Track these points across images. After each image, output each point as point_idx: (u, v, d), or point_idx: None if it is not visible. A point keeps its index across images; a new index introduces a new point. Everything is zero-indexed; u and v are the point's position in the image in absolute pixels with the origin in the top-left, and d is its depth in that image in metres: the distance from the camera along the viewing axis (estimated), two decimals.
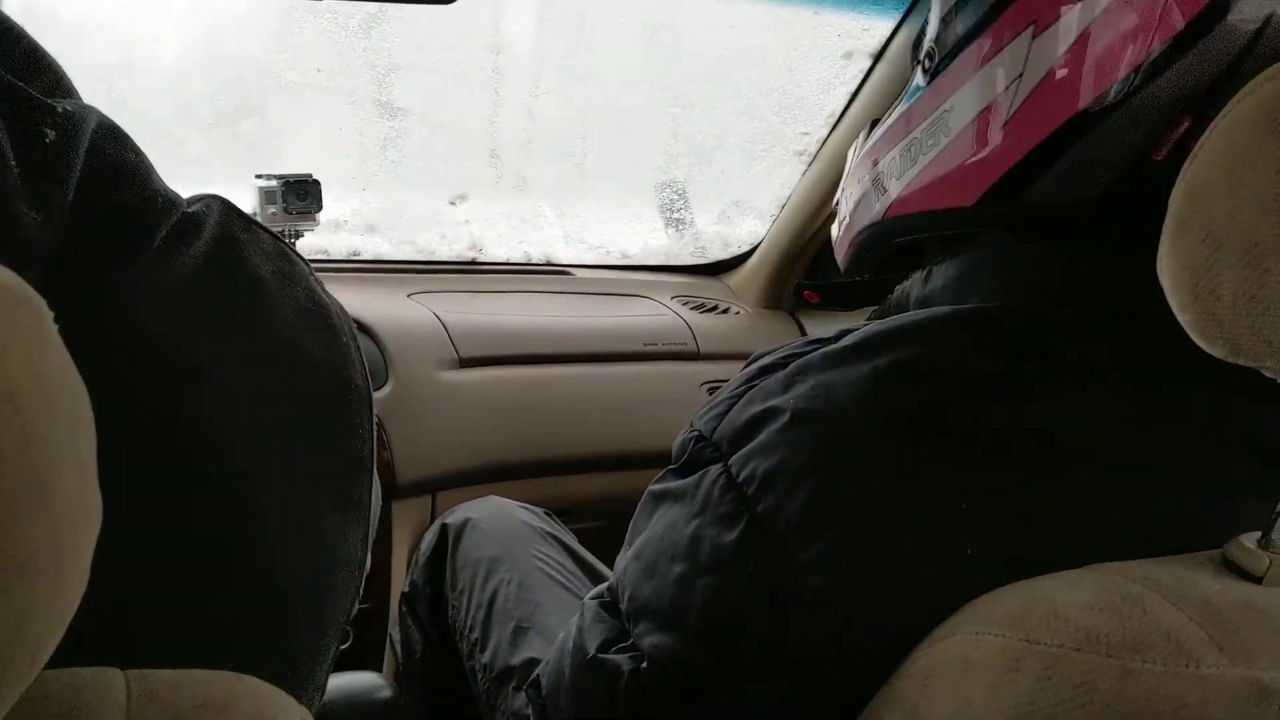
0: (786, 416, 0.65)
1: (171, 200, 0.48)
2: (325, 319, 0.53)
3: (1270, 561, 0.55)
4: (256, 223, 0.54)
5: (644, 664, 0.69)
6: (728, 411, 0.70)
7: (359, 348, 0.56)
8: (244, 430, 0.45)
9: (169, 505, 0.42)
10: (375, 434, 0.56)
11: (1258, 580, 0.55)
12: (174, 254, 0.46)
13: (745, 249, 2.13)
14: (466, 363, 1.63)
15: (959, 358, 0.63)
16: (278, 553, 0.46)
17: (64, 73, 0.48)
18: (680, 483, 0.71)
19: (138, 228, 0.45)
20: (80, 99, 0.48)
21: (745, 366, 0.75)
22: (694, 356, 1.86)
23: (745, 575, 0.63)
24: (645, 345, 1.83)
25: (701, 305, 2.01)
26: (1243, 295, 0.50)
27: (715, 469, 0.68)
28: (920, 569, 0.59)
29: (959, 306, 0.68)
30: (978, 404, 0.61)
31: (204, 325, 0.46)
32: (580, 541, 1.37)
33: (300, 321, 0.51)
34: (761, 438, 0.65)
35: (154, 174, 0.48)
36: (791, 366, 0.69)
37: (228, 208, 0.52)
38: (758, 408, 0.67)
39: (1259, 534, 0.56)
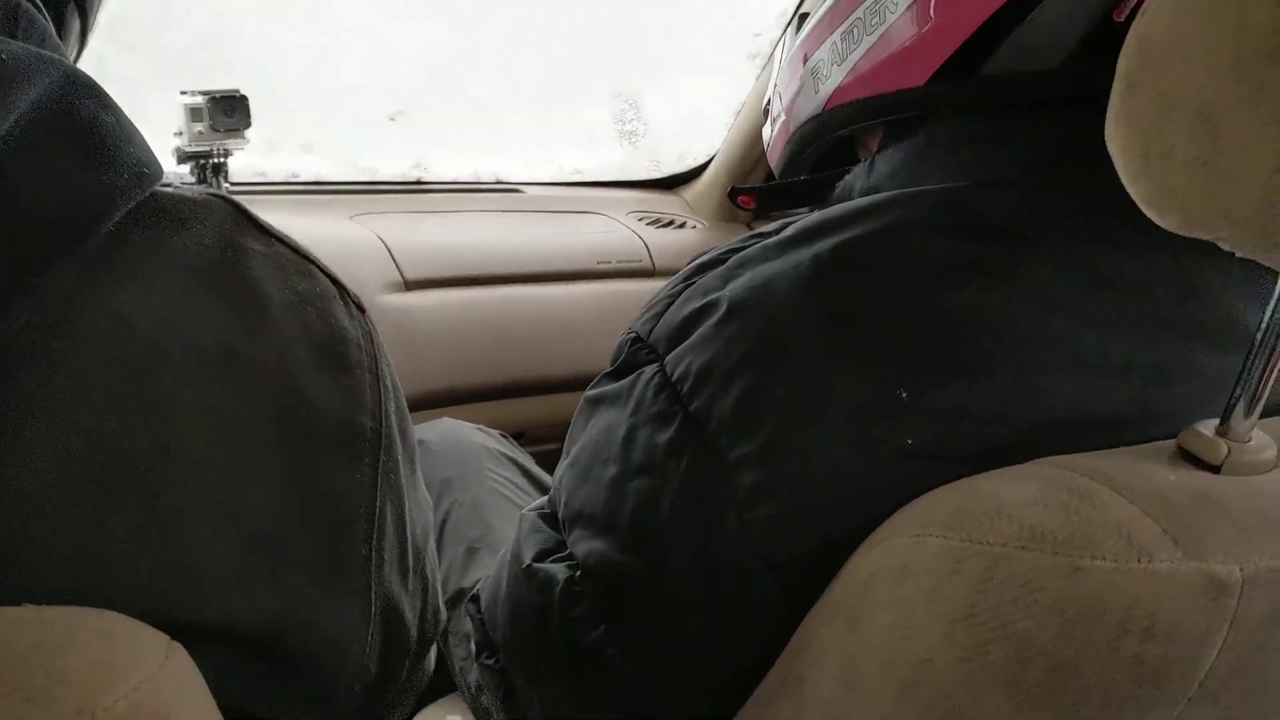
0: (722, 310, 0.61)
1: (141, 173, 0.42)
2: (336, 347, 0.48)
3: (1228, 449, 0.51)
4: (279, 235, 0.48)
5: (578, 573, 0.66)
6: (665, 311, 0.66)
7: (377, 378, 0.50)
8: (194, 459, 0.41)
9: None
10: (380, 484, 0.50)
11: (1215, 469, 0.51)
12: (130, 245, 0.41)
13: (701, 161, 2.07)
14: (412, 285, 1.57)
15: (905, 239, 0.59)
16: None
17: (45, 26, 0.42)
18: (615, 386, 0.68)
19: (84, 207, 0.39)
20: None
21: (686, 265, 0.71)
22: (649, 274, 1.81)
23: (677, 476, 0.60)
24: (599, 263, 1.77)
25: (657, 220, 1.95)
26: (1196, 161, 0.45)
27: (650, 369, 0.64)
28: (855, 466, 0.55)
29: (909, 188, 0.63)
30: (923, 288, 0.57)
31: (171, 341, 0.41)
32: (537, 464, 1.33)
33: (304, 351, 0.46)
34: (696, 334, 0.62)
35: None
36: (731, 260, 0.65)
37: (238, 211, 0.46)
38: (695, 304, 0.64)
39: (1216, 421, 0.52)
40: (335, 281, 0.49)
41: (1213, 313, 0.59)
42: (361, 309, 0.51)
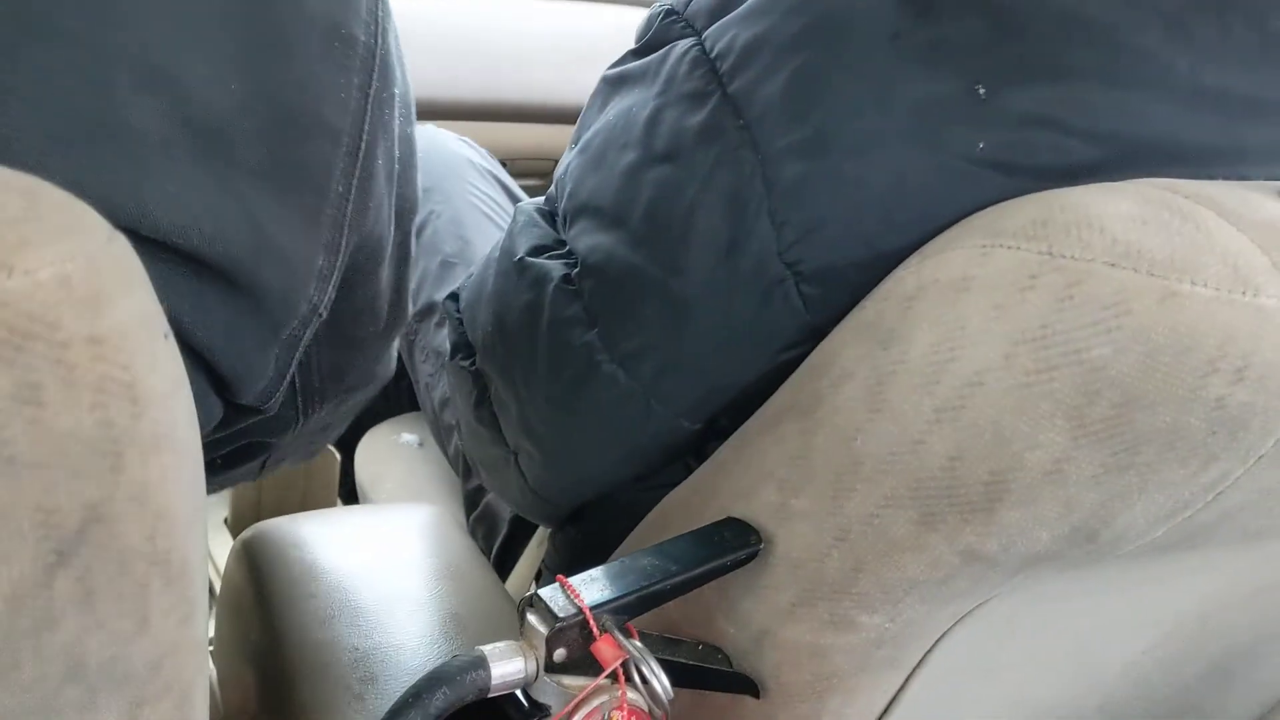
0: None
1: None
2: None
3: None
4: None
5: (576, 269, 0.59)
6: None
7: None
8: None
9: None
10: (372, 116, 0.43)
11: None
12: None
13: None
14: None
15: None
16: None
17: None
18: (640, 63, 0.59)
19: None
20: None
21: None
22: None
23: (706, 164, 0.52)
24: None
25: None
26: None
27: (685, 42, 0.56)
28: (918, 168, 0.48)
29: None
30: None
31: None
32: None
33: None
34: (749, 4, 0.53)
35: None
36: None
37: None
38: None
39: None
40: None
41: None
42: None
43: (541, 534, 0.91)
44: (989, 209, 0.46)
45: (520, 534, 0.94)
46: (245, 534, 0.77)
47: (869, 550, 0.48)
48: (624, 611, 0.49)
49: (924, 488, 0.45)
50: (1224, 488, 0.43)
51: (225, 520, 1.18)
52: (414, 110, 0.52)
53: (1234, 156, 0.50)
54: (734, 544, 0.52)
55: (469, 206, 1.12)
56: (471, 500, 1.04)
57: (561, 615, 0.46)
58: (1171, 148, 0.49)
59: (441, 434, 1.06)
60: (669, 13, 0.59)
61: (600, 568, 0.50)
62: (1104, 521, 0.44)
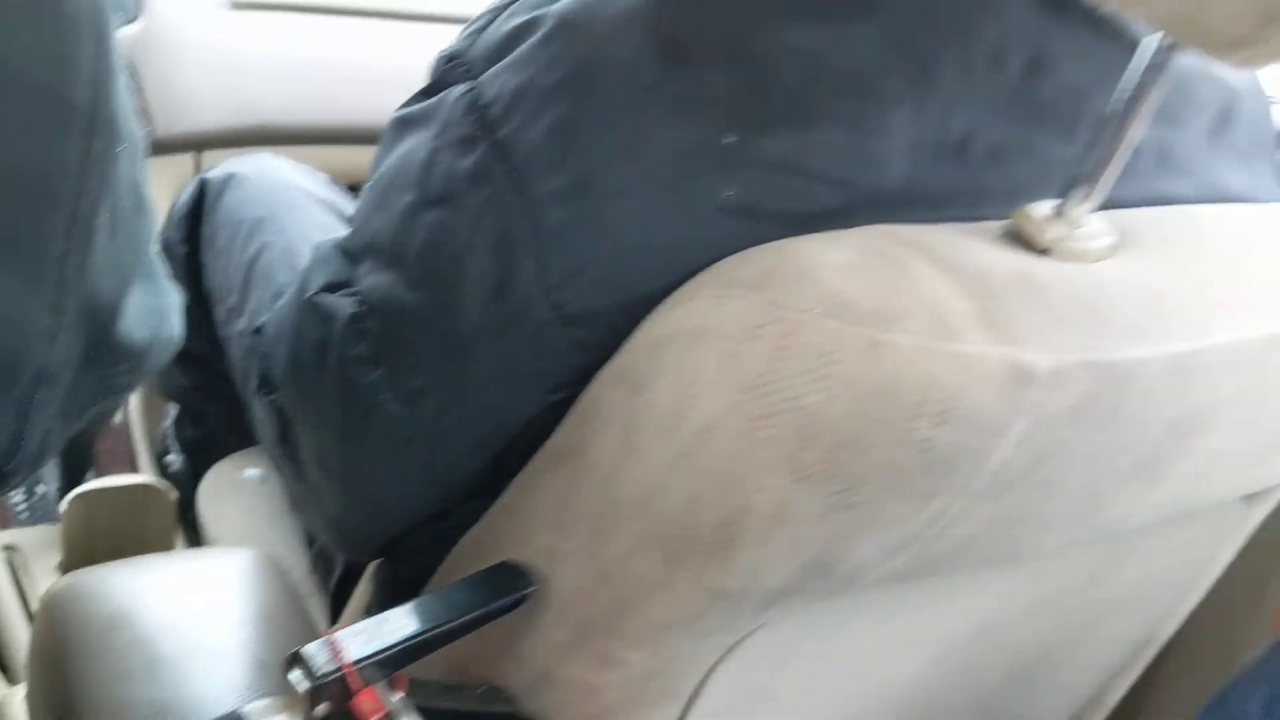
0: (546, 28, 0.53)
1: None
2: (50, 4, 0.40)
3: (1060, 233, 0.47)
4: None
5: (364, 309, 0.60)
6: (489, 25, 0.58)
7: (99, 50, 0.42)
8: None
9: None
10: (92, 174, 0.43)
11: (1042, 252, 0.47)
12: None
13: None
14: (241, 5, 1.41)
15: None
16: None
17: None
18: (422, 105, 0.60)
19: None
20: None
21: None
22: None
23: (476, 207, 0.53)
24: (456, 6, 1.63)
25: None
26: None
27: (460, 88, 0.56)
28: (667, 217, 0.50)
29: None
30: (770, 21, 0.50)
31: None
32: None
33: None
34: (516, 53, 0.54)
35: None
36: None
37: None
38: (522, 18, 0.55)
39: (1054, 202, 0.48)
40: None
41: (1063, 94, 0.54)
42: None
43: (371, 569, 0.91)
44: (730, 257, 0.48)
45: (355, 570, 0.93)
46: (54, 586, 0.75)
47: (628, 589, 0.49)
48: (390, 664, 0.49)
49: (668, 529, 0.47)
50: (948, 521, 0.45)
51: (58, 565, 1.15)
52: (142, 151, 0.52)
53: (973, 198, 0.53)
54: (506, 588, 0.53)
55: (303, 237, 1.11)
56: (311, 536, 1.03)
57: (319, 673, 0.46)
58: (910, 191, 0.51)
59: (275, 465, 1.05)
60: (452, 56, 0.60)
61: (372, 619, 0.50)
62: (836, 556, 0.45)
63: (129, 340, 0.54)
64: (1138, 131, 0.46)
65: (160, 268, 0.55)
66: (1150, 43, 0.45)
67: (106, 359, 0.53)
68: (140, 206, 0.50)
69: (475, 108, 0.55)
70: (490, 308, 0.54)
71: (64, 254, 0.43)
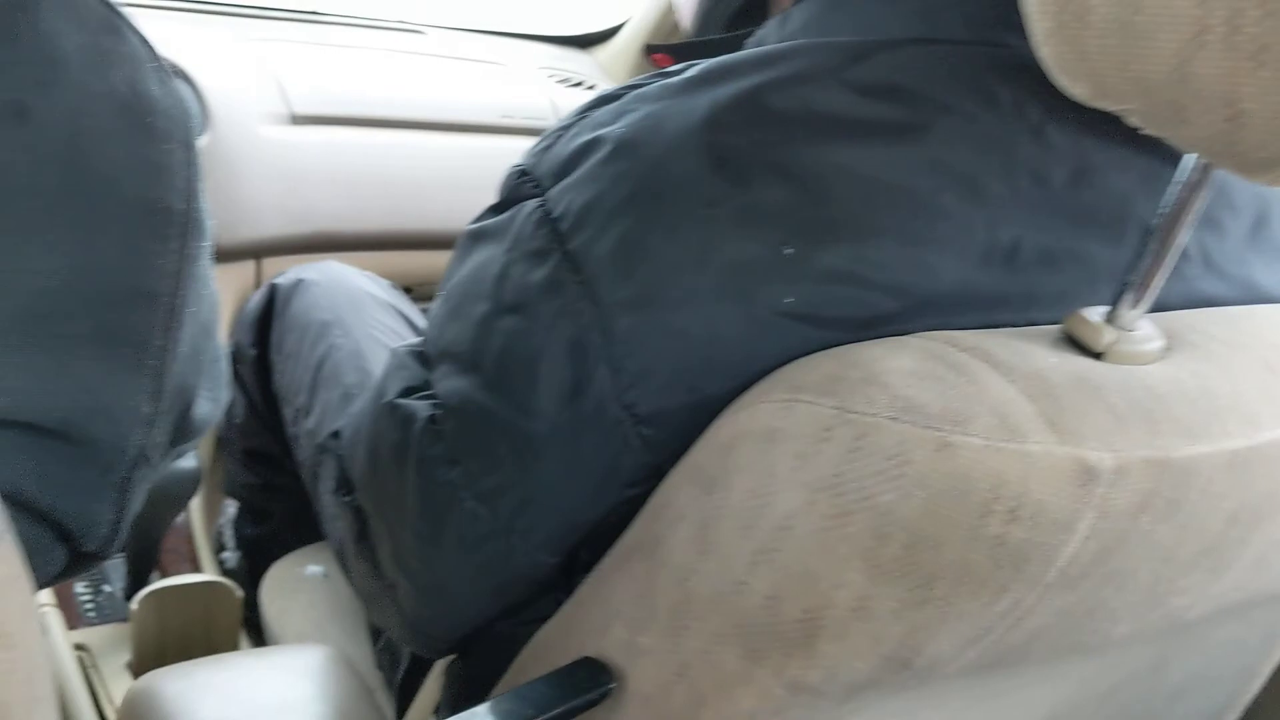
0: (609, 148, 0.57)
1: None
2: (143, 117, 0.43)
3: (1113, 337, 0.50)
4: None
5: (440, 411, 0.63)
6: (554, 144, 0.62)
7: (190, 157, 0.46)
8: None
9: None
10: (186, 272, 0.47)
11: (1097, 356, 0.50)
12: None
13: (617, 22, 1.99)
14: (300, 120, 1.48)
15: (809, 89, 0.55)
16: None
17: None
18: (496, 220, 0.64)
19: None
20: None
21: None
22: None
23: (550, 315, 0.57)
24: (502, 118, 1.70)
25: (566, 80, 1.87)
26: (1114, 22, 0.42)
27: (531, 204, 0.60)
28: (731, 323, 0.53)
29: (819, 40, 0.60)
30: (822, 142, 0.54)
31: None
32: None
33: (104, 116, 0.42)
34: (581, 170, 0.58)
35: None
36: (629, 96, 0.61)
37: None
38: (584, 138, 0.60)
39: (1105, 308, 0.51)
40: (146, 44, 0.45)
41: (1107, 201, 0.57)
42: (181, 77, 0.48)
43: (440, 665, 0.92)
44: (794, 363, 0.51)
45: (421, 665, 0.95)
46: (132, 688, 0.78)
47: (707, 684, 0.51)
48: None
49: (748, 624, 0.49)
50: (1021, 614, 0.47)
51: (128, 664, 1.17)
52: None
53: (1023, 303, 0.56)
54: (587, 685, 0.55)
55: (369, 339, 1.15)
56: (375, 632, 1.04)
57: None
58: (963, 297, 0.54)
59: (342, 565, 1.07)
60: (522, 173, 0.64)
61: (457, 717, 0.52)
62: (914, 650, 0.47)
63: (202, 418, 0.58)
64: (1183, 239, 0.49)
65: (218, 346, 0.59)
66: (1189, 159, 0.48)
67: (184, 438, 0.56)
68: (212, 298, 0.55)
69: (546, 221, 0.59)
70: (565, 409, 0.57)
71: (163, 347, 0.47)
